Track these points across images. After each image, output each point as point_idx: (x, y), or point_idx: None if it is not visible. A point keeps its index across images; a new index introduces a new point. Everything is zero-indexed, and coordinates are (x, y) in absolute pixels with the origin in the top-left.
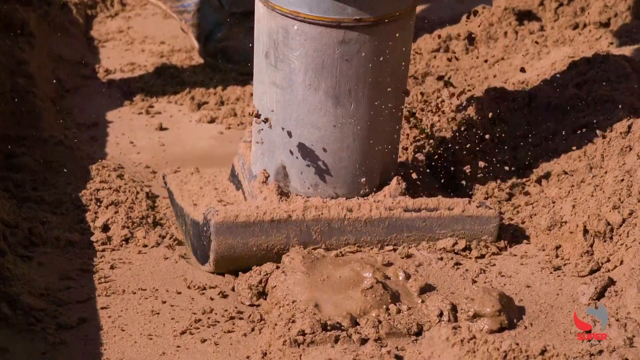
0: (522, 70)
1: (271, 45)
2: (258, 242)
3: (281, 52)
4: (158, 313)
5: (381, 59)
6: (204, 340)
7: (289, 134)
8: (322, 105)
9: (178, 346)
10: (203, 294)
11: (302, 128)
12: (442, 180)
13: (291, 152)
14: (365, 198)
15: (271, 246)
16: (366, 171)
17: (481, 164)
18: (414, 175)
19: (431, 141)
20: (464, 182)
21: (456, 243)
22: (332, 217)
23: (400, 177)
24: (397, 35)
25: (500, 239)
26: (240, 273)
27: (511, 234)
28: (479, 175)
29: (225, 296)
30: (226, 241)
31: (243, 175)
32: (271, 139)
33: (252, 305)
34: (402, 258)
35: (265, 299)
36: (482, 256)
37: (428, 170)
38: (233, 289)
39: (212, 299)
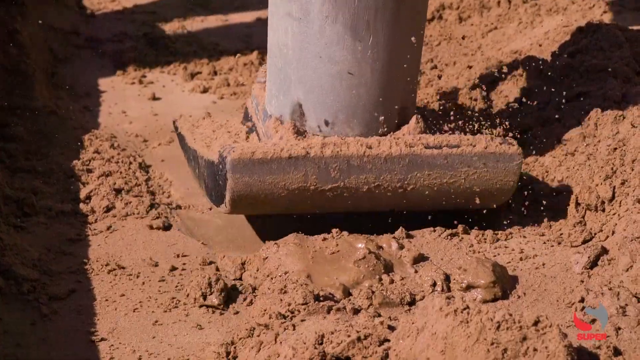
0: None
1: None
2: (275, 180)
3: None
4: (150, 284)
5: None
6: (194, 312)
7: (305, 68)
8: (340, 38)
9: (168, 317)
10: (189, 263)
11: (319, 62)
12: None
13: (307, 88)
14: (385, 137)
15: (289, 185)
16: (385, 109)
17: None
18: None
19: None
20: None
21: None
22: (351, 153)
23: (419, 116)
24: None
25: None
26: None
27: (505, 203)
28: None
29: (212, 265)
30: (243, 179)
31: (257, 117)
32: (287, 75)
33: (236, 279)
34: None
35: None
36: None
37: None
38: (218, 269)
39: (201, 269)
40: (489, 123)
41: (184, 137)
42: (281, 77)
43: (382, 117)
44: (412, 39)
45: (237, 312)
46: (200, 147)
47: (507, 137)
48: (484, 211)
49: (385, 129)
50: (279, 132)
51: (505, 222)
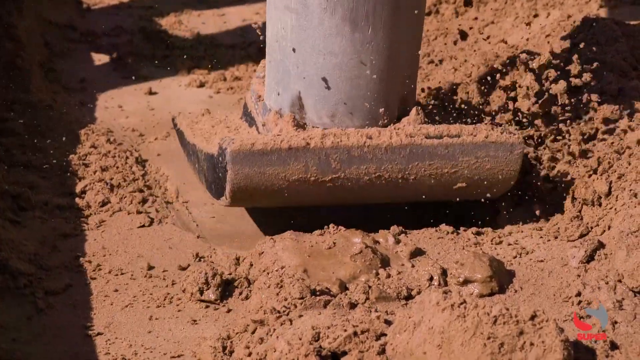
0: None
1: None
2: (276, 171)
3: None
4: (145, 279)
5: None
6: (190, 306)
7: (305, 61)
8: (339, 30)
9: (164, 312)
10: (185, 257)
11: (318, 55)
12: None
13: (307, 81)
14: (386, 128)
15: (289, 176)
16: (385, 100)
17: None
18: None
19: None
20: None
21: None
22: (351, 144)
23: (419, 107)
24: None
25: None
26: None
27: (504, 196)
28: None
29: (207, 259)
30: (243, 170)
31: (256, 111)
32: (285, 68)
33: (231, 274)
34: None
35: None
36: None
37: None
38: (213, 264)
39: (197, 263)
40: (487, 118)
41: (183, 132)
42: (280, 71)
43: (382, 109)
44: (411, 30)
45: (233, 307)
46: (199, 142)
47: (508, 127)
48: (483, 200)
49: (386, 121)
50: (278, 125)
51: (503, 215)
